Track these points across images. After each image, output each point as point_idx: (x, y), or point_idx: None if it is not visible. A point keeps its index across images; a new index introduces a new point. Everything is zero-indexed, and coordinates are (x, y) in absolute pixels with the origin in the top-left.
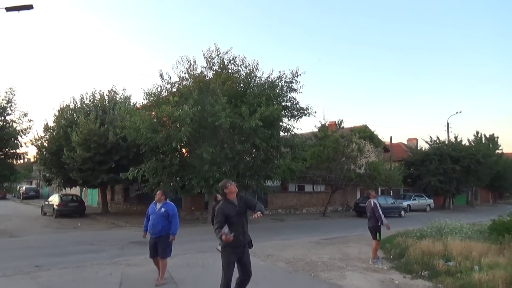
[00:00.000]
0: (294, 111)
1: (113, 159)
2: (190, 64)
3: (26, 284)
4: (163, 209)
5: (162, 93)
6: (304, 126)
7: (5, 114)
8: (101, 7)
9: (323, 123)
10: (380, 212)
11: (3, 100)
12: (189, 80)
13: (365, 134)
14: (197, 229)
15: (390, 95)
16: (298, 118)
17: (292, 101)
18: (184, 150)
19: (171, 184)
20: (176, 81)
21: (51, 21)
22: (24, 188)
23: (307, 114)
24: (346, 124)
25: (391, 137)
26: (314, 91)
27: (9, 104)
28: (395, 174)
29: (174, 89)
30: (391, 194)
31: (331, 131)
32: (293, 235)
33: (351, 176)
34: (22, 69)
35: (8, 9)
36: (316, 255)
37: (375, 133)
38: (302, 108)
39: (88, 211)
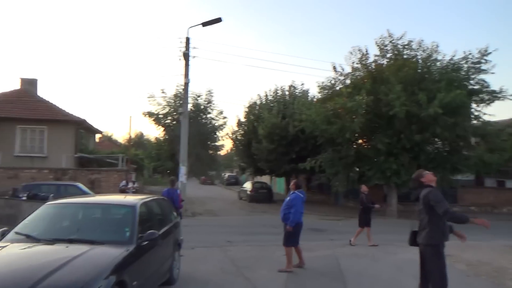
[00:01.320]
0: (484, 95)
1: (294, 150)
2: (363, 54)
3: (218, 254)
4: (288, 198)
5: (336, 85)
6: (500, 112)
7: (206, 113)
8: (273, 5)
9: None
10: None
11: (204, 101)
12: (362, 70)
13: None
14: (373, 221)
15: None
16: (490, 103)
17: (481, 84)
18: (360, 141)
19: (350, 175)
20: (349, 73)
21: (238, 27)
22: (227, 175)
23: (502, 98)
24: None
25: None
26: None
27: (209, 104)
28: None
29: (348, 81)
30: None
31: None
32: (483, 235)
33: None
34: (217, 71)
35: (204, 24)
36: (509, 261)
37: None
38: (494, 91)
39: (276, 197)
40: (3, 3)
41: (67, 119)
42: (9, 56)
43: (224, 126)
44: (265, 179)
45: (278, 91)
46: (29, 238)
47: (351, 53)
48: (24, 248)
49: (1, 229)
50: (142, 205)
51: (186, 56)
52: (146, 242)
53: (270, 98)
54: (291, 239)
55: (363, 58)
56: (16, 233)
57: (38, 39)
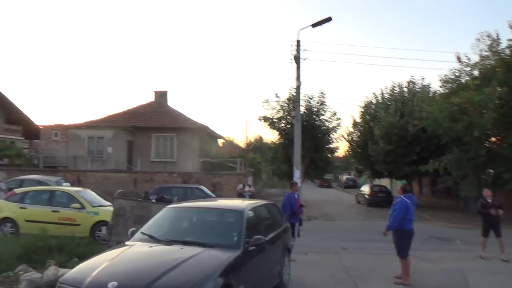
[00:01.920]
0: None
1: (414, 151)
2: (493, 39)
3: (331, 261)
4: (394, 202)
5: (461, 77)
6: None
7: (319, 115)
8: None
9: None
10: None
11: (317, 103)
12: (493, 58)
13: None
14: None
15: None
16: None
17: None
18: (493, 139)
19: (481, 177)
20: (476, 62)
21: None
22: (344, 178)
23: None
24: None
25: None
26: None
27: (322, 106)
28: None
29: (475, 72)
30: None
31: None
32: None
33: None
34: (329, 72)
35: (314, 25)
36: None
37: None
38: None
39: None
40: (137, 26)
41: (192, 126)
42: (145, 71)
43: (338, 127)
44: (385, 182)
45: (395, 88)
46: (152, 238)
47: (478, 40)
48: (146, 248)
49: (131, 229)
50: (250, 210)
51: (297, 59)
52: (253, 247)
53: (386, 96)
54: (406, 248)
55: (494, 44)
56: (142, 233)
57: (168, 53)
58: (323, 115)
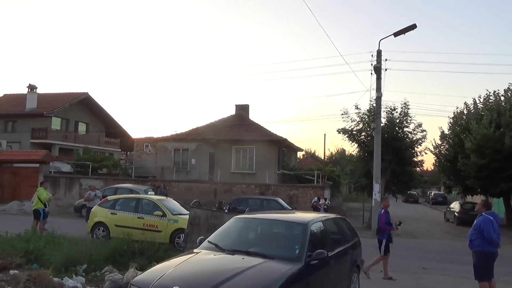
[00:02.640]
0: None
1: None
2: None
3: (407, 281)
4: (476, 221)
5: None
6: None
7: (402, 127)
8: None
9: None
10: None
11: (399, 114)
12: None
13: None
14: None
15: None
16: None
17: None
18: None
19: None
20: None
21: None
22: (432, 193)
23: None
24: None
25: None
26: None
27: (405, 118)
28: None
29: None
30: None
31: None
32: None
33: None
34: (413, 82)
35: (396, 34)
36: None
37: None
38: None
39: None
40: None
41: (270, 139)
42: (226, 86)
43: (423, 140)
44: (478, 199)
45: (490, 97)
46: (217, 247)
47: None
48: (210, 256)
49: (199, 238)
50: (316, 224)
51: (377, 69)
52: (315, 261)
53: (480, 106)
54: (484, 271)
55: None
56: (208, 241)
57: (251, 69)
58: (406, 127)
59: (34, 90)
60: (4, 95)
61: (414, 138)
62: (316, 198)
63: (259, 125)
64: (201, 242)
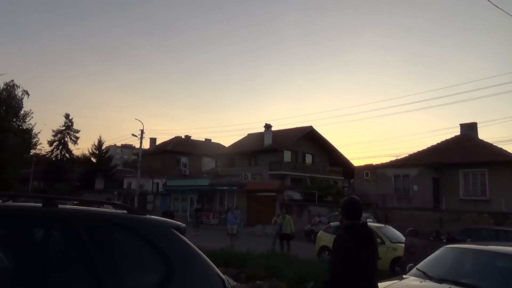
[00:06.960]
0: None
1: None
2: None
3: None
4: None
5: None
6: None
7: None
8: None
9: None
10: None
11: None
12: None
13: None
14: None
15: None
16: None
17: None
18: None
19: None
20: None
21: None
22: None
23: None
24: None
25: None
26: None
27: None
28: None
29: None
30: None
31: None
32: None
33: None
34: None
35: None
36: None
37: None
38: None
39: None
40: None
41: (507, 159)
42: (450, 104)
43: None
44: None
45: None
46: (424, 275)
47: None
48: (415, 282)
49: (409, 265)
50: None
51: None
52: None
53: None
54: None
55: None
56: (417, 269)
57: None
58: None
59: (269, 128)
60: (248, 134)
61: None
62: None
63: (491, 144)
64: (410, 268)
